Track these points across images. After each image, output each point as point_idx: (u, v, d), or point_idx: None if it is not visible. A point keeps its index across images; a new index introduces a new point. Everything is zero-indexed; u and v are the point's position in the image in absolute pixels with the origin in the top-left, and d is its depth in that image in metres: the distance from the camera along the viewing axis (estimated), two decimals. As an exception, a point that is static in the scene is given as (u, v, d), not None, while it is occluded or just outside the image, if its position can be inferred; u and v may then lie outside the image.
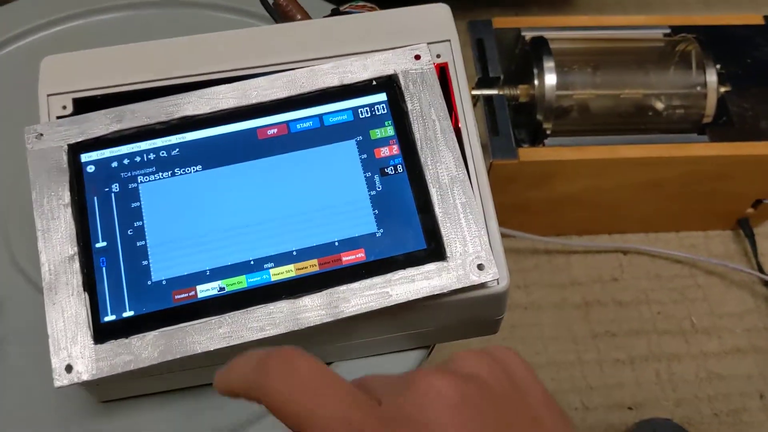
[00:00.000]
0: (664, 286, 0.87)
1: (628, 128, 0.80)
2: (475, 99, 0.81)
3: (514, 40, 0.84)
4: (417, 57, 0.39)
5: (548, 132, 0.78)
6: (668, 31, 0.84)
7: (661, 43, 0.83)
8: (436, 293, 0.35)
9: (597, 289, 0.86)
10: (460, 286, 0.36)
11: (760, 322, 0.84)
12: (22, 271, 0.44)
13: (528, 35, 0.82)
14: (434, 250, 0.36)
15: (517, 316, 0.84)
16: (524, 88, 0.79)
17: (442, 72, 0.40)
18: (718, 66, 0.79)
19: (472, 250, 0.36)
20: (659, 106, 0.80)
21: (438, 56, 0.40)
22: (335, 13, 0.44)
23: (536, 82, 0.77)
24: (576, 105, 0.79)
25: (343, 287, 0.36)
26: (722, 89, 0.79)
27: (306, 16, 0.50)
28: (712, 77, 0.77)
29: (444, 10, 0.41)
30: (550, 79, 0.76)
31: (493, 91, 0.80)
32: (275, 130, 0.39)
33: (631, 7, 1.11)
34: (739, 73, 0.82)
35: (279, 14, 0.50)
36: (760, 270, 0.86)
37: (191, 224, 0.37)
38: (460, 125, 0.39)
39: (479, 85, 0.81)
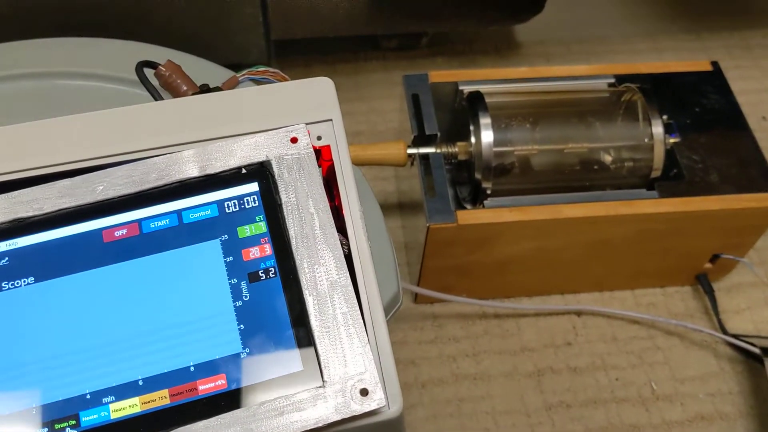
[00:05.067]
0: (621, 350, 0.81)
1: (574, 186, 0.75)
2: (411, 158, 0.76)
3: (453, 95, 0.80)
4: (294, 140, 0.34)
5: (488, 192, 0.73)
6: (612, 80, 0.80)
7: (605, 93, 0.79)
8: (309, 428, 0.30)
9: (550, 354, 0.81)
10: (338, 417, 0.30)
11: (724, 386, 0.79)
12: None
13: (466, 89, 0.78)
14: (308, 374, 0.30)
15: (465, 389, 0.78)
16: (462, 146, 0.75)
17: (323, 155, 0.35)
18: (664, 117, 0.75)
19: (354, 372, 0.30)
20: (606, 159, 0.76)
21: (319, 138, 0.35)
22: (204, 90, 0.38)
23: (473, 139, 0.73)
24: (517, 162, 0.74)
25: (199, 424, 0.30)
26: (670, 141, 0.75)
27: (192, 87, 0.45)
28: (657, 129, 0.73)
29: (326, 84, 0.36)
30: (487, 136, 0.71)
31: (430, 150, 0.75)
32: (124, 231, 0.33)
33: (580, 54, 1.08)
34: (688, 123, 0.78)
35: (162, 85, 0.45)
36: (722, 329, 0.81)
37: (16, 351, 0.31)
38: (346, 223, 0.34)
39: (415, 143, 0.76)
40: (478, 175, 0.73)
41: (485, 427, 0.76)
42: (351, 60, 1.04)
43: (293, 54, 1.03)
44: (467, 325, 0.82)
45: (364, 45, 1.05)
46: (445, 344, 0.81)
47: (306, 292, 0.31)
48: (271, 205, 0.33)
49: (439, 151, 0.75)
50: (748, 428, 0.76)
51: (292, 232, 0.32)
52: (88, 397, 0.30)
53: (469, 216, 0.70)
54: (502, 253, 0.75)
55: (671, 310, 0.84)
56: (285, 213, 0.33)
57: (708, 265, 0.82)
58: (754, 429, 0.76)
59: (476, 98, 0.74)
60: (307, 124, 0.34)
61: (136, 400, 0.30)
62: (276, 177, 0.33)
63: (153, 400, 0.30)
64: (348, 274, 0.32)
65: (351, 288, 0.32)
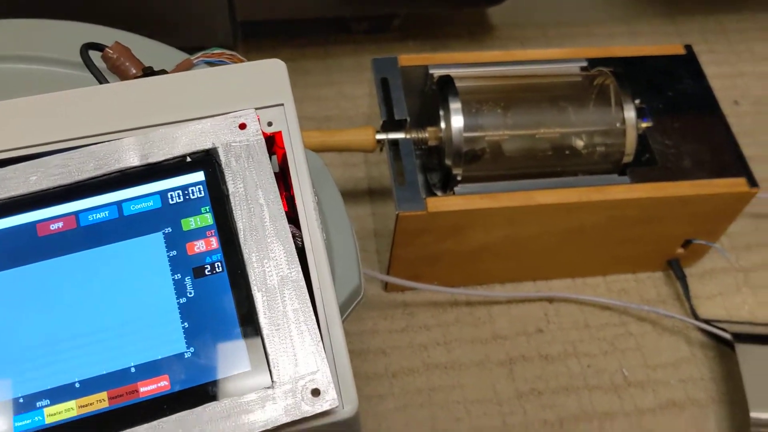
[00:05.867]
0: (593, 336, 0.81)
1: (546, 171, 0.74)
2: (380, 143, 0.75)
3: (423, 79, 0.78)
4: (242, 126, 0.32)
5: (459, 178, 0.71)
6: (585, 64, 0.79)
7: (578, 77, 0.78)
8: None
9: (522, 342, 0.80)
10: (288, 420, 0.28)
11: (696, 372, 0.79)
12: None
13: (436, 73, 0.76)
14: (257, 374, 0.29)
15: (437, 378, 0.77)
16: (432, 131, 0.73)
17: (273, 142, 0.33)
18: (637, 101, 0.74)
19: (305, 371, 0.29)
20: (578, 145, 0.75)
21: (270, 124, 0.33)
22: (148, 73, 0.36)
23: (443, 124, 0.71)
24: (488, 148, 0.73)
25: (140, 428, 0.28)
26: (642, 125, 0.74)
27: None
28: (629, 113, 0.72)
29: (278, 67, 0.34)
30: (457, 121, 0.70)
31: (399, 135, 0.73)
32: (60, 224, 0.31)
33: (555, 38, 1.06)
34: (660, 108, 0.77)
35: (110, 68, 0.43)
36: (694, 314, 0.81)
37: (-58, 353, 0.29)
38: (299, 213, 0.32)
39: (384, 128, 0.74)
40: (448, 161, 0.71)
41: (457, 417, 0.75)
42: (321, 43, 1.02)
43: (260, 37, 1.00)
44: (438, 314, 0.81)
45: (334, 28, 1.03)
46: (416, 333, 0.80)
47: (255, 288, 0.30)
48: (217, 195, 0.31)
49: (408, 136, 0.73)
50: (719, 414, 0.76)
51: (240, 225, 0.31)
52: (21, 401, 0.28)
53: (440, 203, 0.69)
54: (474, 241, 0.74)
55: (643, 296, 0.84)
56: (233, 204, 0.31)
57: (680, 251, 0.82)
58: (725, 415, 0.76)
59: (446, 82, 0.72)
60: (256, 109, 0.32)
61: (72, 403, 0.28)
62: (223, 165, 0.31)
63: (90, 404, 0.28)
64: (300, 269, 0.30)
65: (303, 283, 0.30)
